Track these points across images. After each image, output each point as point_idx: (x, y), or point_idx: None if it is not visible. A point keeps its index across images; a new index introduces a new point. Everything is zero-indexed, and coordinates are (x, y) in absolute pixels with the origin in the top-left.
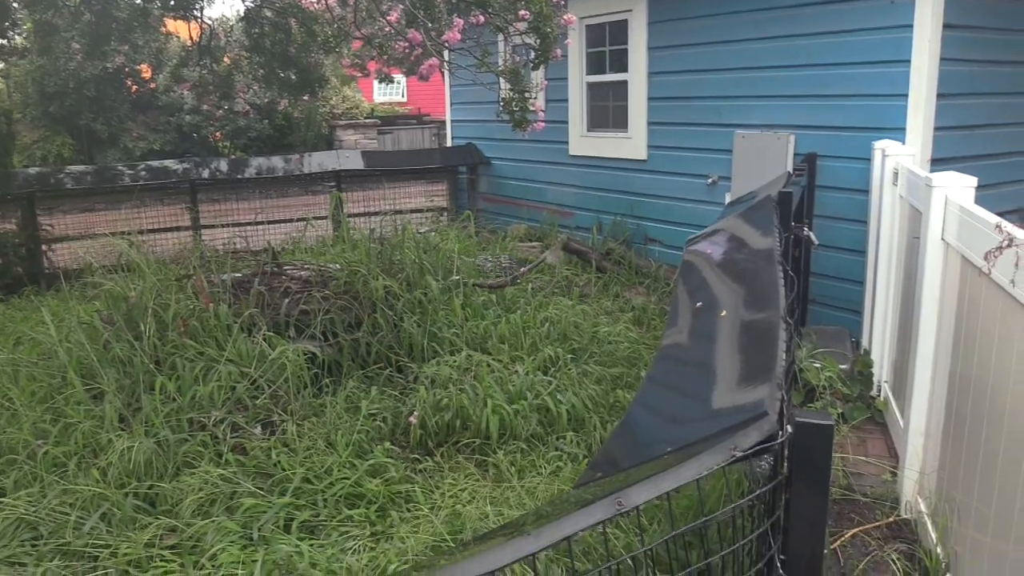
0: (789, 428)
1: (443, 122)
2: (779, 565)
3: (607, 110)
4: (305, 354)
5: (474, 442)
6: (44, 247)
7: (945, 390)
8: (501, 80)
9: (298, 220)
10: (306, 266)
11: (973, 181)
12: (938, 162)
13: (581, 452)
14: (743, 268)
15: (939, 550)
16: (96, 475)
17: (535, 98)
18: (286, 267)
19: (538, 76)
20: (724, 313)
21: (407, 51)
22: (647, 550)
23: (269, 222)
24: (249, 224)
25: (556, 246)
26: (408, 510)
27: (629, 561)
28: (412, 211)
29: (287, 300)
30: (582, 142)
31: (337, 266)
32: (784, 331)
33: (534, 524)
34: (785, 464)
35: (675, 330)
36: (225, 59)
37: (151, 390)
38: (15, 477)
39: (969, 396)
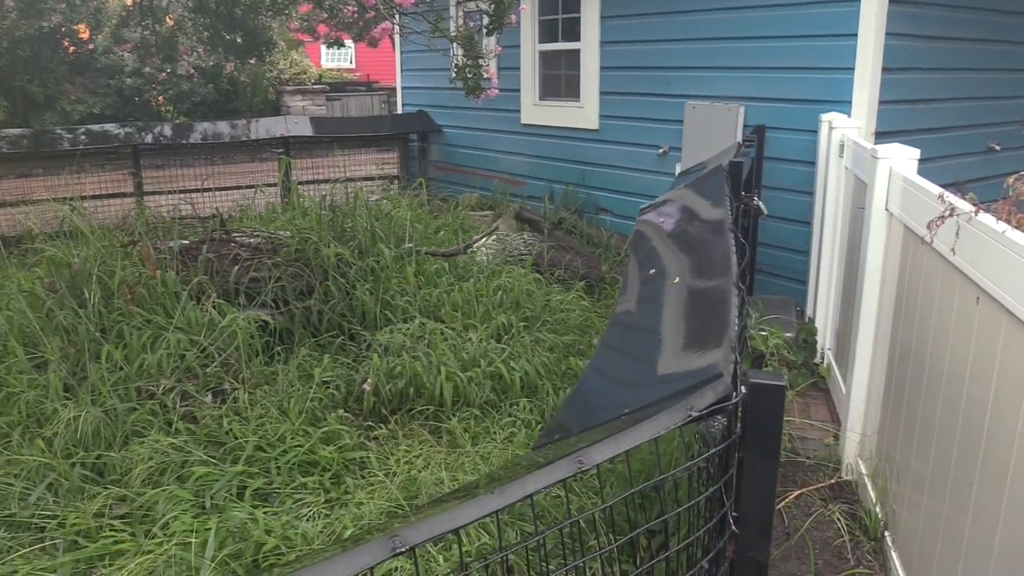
0: (743, 389)
1: (393, 89)
2: (731, 522)
3: (559, 79)
4: (256, 322)
5: (428, 409)
6: None
7: (886, 357)
8: (454, 46)
9: (246, 187)
10: (256, 233)
11: (916, 153)
12: (882, 135)
13: (534, 418)
14: (695, 237)
15: (878, 509)
16: (41, 445)
17: (488, 65)
18: (235, 234)
19: (491, 43)
20: (676, 280)
21: (357, 15)
22: (604, 508)
23: (216, 189)
24: (195, 191)
25: (508, 215)
26: (363, 477)
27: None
28: (363, 179)
29: (236, 267)
30: (534, 111)
31: (287, 233)
32: (736, 297)
33: (488, 486)
34: (738, 424)
35: (627, 297)
36: (168, 19)
37: (97, 359)
38: None
39: (909, 362)
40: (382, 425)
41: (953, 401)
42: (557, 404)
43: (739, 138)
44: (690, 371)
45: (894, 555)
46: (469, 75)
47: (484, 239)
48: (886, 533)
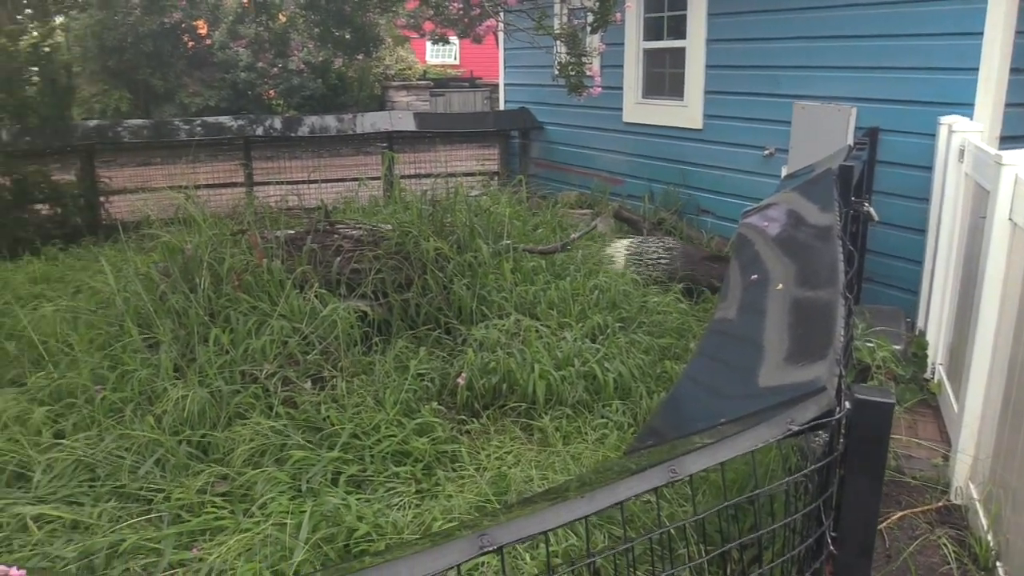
0: (847, 404)
1: (496, 86)
2: (830, 542)
3: (663, 77)
4: (356, 312)
5: (520, 406)
6: (102, 199)
7: (1004, 375)
8: (558, 44)
9: (350, 180)
10: (358, 225)
11: None
12: (1007, 140)
13: (627, 421)
14: (801, 242)
15: (990, 537)
16: (151, 422)
17: (591, 63)
18: (339, 226)
19: (594, 40)
20: (780, 287)
21: (462, 12)
22: (698, 518)
23: (321, 181)
24: (302, 182)
25: (606, 214)
26: (453, 470)
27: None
28: (464, 174)
29: (339, 258)
30: (636, 109)
31: (388, 226)
32: (843, 307)
33: (579, 490)
34: (841, 441)
35: (728, 304)
36: (281, 16)
37: (205, 342)
38: (74, 420)
39: None
40: (474, 420)
41: None
42: (650, 407)
43: (850, 141)
44: (792, 383)
45: None
46: (572, 73)
47: (580, 236)
48: (998, 563)
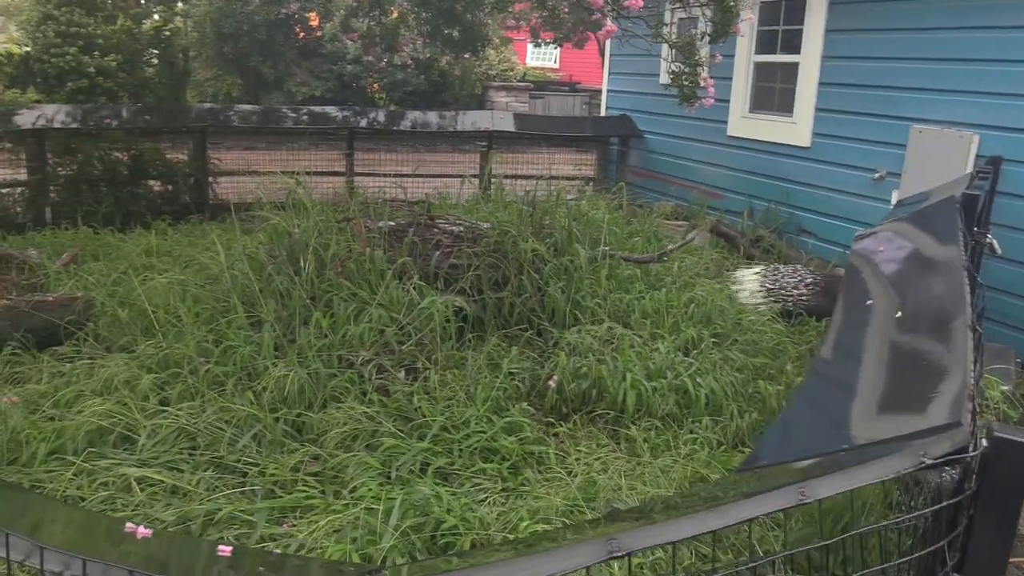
0: (984, 442)
1: (595, 91)
2: None
3: (772, 92)
4: (452, 307)
5: (608, 414)
6: (211, 179)
7: None
8: (672, 52)
9: (453, 176)
10: (458, 221)
11: None
12: None
13: (716, 438)
14: (924, 271)
15: None
16: (251, 397)
17: (705, 73)
18: (439, 220)
19: (705, 51)
20: (899, 314)
21: (569, 14)
22: (823, 545)
23: (423, 175)
24: (403, 176)
25: (703, 227)
26: (539, 471)
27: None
28: (561, 178)
29: (438, 252)
30: (742, 123)
31: (487, 225)
32: (971, 341)
33: (706, 503)
34: (973, 480)
35: (842, 329)
36: (392, 12)
37: (305, 324)
38: (179, 389)
39: None
40: (561, 423)
41: None
42: (740, 426)
43: (970, 169)
44: (922, 415)
45: None
46: (686, 83)
47: (677, 248)
48: None
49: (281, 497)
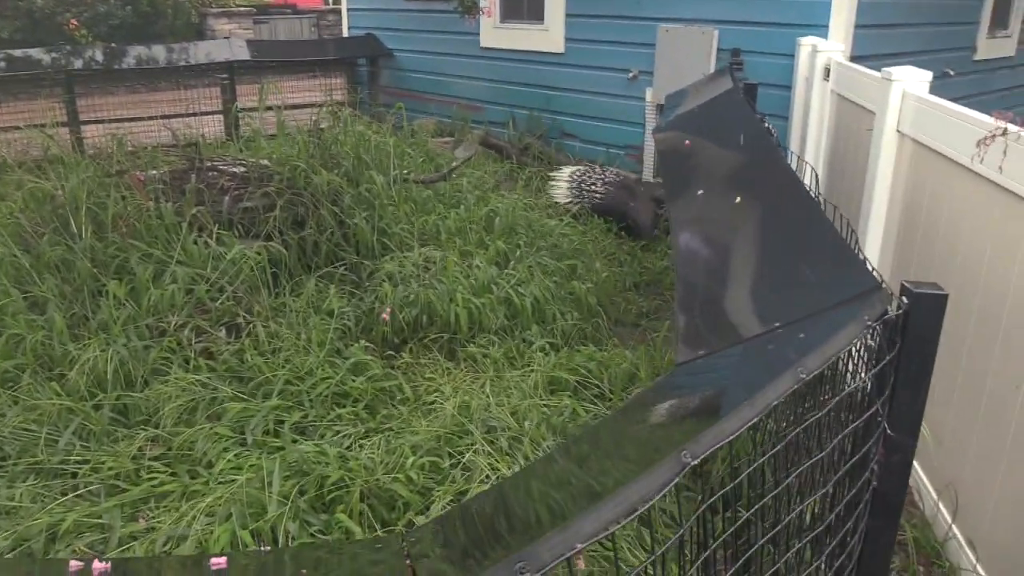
0: (905, 299)
1: (321, 12)
2: (886, 427)
3: (521, 1)
4: (260, 253)
5: (441, 337)
6: None
7: (892, 255)
8: None
9: (195, 115)
10: (237, 161)
11: (928, 75)
12: (857, 59)
13: (548, 341)
14: (737, 154)
15: None
16: (57, 388)
17: None
18: (217, 163)
19: None
20: (739, 199)
21: None
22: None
23: (164, 116)
24: (137, 119)
25: (470, 141)
26: (394, 406)
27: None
28: (309, 105)
29: (227, 197)
30: (495, 34)
31: (265, 162)
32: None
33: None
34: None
35: (687, 224)
36: None
37: (96, 296)
38: None
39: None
40: (400, 354)
41: (990, 312)
42: (565, 328)
43: (713, 62)
44: (837, 286)
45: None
46: None
47: (461, 164)
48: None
49: (128, 491)
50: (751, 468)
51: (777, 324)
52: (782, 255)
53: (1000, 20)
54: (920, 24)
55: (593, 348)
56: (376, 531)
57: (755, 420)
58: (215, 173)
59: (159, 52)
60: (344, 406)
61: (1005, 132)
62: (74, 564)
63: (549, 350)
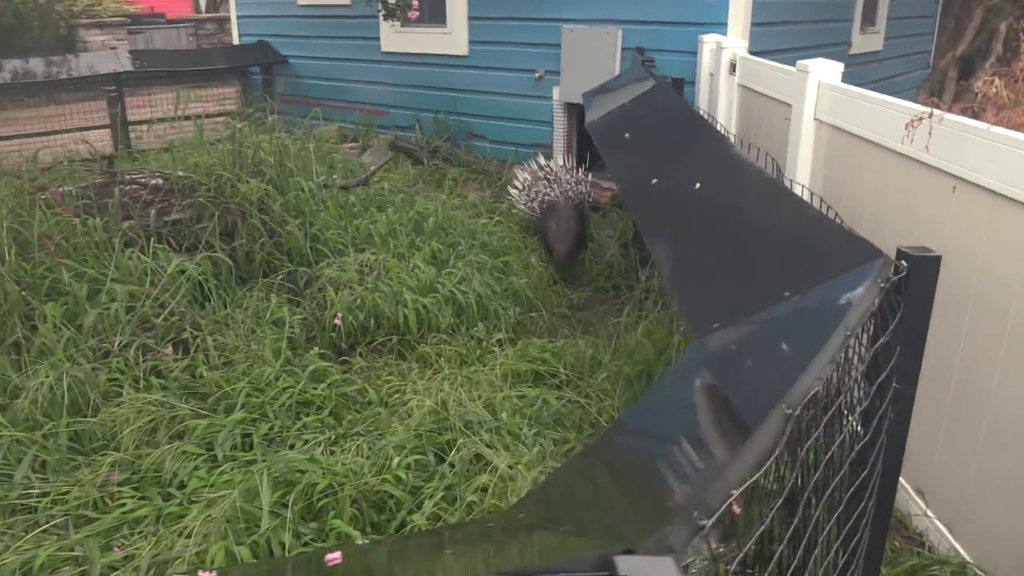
0: (904, 263)
1: (198, 21)
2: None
3: (423, 4)
4: (198, 266)
5: (390, 339)
6: None
7: None
8: None
9: (100, 127)
10: (156, 174)
11: (840, 66)
12: (754, 55)
13: (499, 336)
14: (683, 142)
15: None
16: (1, 419)
17: None
18: (135, 175)
19: None
20: (698, 185)
21: None
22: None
23: (47, 132)
24: (17, 137)
25: (378, 146)
26: (356, 410)
27: None
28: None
29: (151, 210)
30: (396, 38)
31: (181, 173)
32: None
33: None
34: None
35: (652, 214)
36: None
37: (25, 319)
38: None
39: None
40: (354, 359)
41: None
42: (509, 321)
43: (617, 60)
44: (837, 256)
45: None
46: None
47: (379, 168)
48: None
49: (98, 519)
50: (828, 415)
51: (786, 292)
52: (767, 230)
53: (868, 17)
54: (805, 21)
55: (540, 340)
56: (368, 534)
57: (828, 370)
58: (136, 186)
59: (36, 65)
60: (308, 415)
61: (931, 115)
62: None
63: (506, 343)
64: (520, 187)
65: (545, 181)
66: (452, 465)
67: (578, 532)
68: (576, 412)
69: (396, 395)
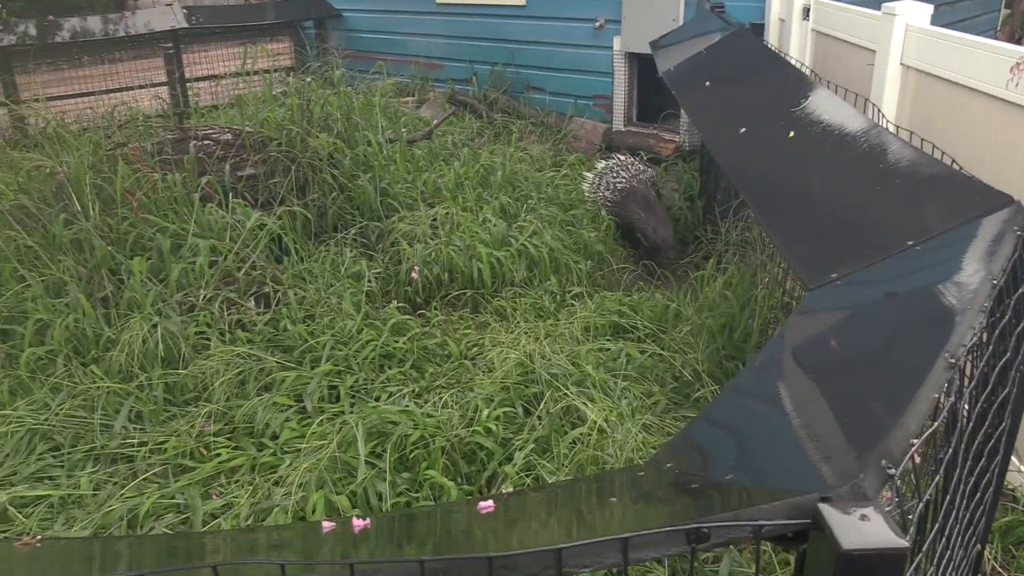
0: None
1: None
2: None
3: None
4: (276, 221)
5: (464, 293)
6: None
7: None
8: None
9: (154, 86)
10: (226, 129)
11: (930, 8)
12: None
13: (571, 291)
14: (772, 88)
15: None
16: (97, 372)
17: None
18: (207, 131)
19: None
20: (792, 134)
21: None
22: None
23: (108, 91)
24: (82, 95)
25: (435, 100)
26: (438, 364)
27: None
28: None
29: (226, 165)
30: None
31: (250, 128)
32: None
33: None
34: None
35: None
36: None
37: (112, 274)
38: (7, 386)
39: None
40: (427, 313)
41: None
42: (580, 276)
43: (682, 7)
44: (963, 199)
45: None
46: None
47: (442, 122)
48: None
49: (196, 469)
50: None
51: (909, 241)
52: (876, 178)
53: None
54: None
55: (614, 294)
56: (460, 485)
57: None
58: (209, 141)
59: (94, 24)
60: (391, 367)
61: None
62: (327, 525)
63: (583, 297)
64: (589, 183)
65: (612, 173)
66: (539, 418)
67: (753, 480)
68: (659, 366)
69: (475, 348)
